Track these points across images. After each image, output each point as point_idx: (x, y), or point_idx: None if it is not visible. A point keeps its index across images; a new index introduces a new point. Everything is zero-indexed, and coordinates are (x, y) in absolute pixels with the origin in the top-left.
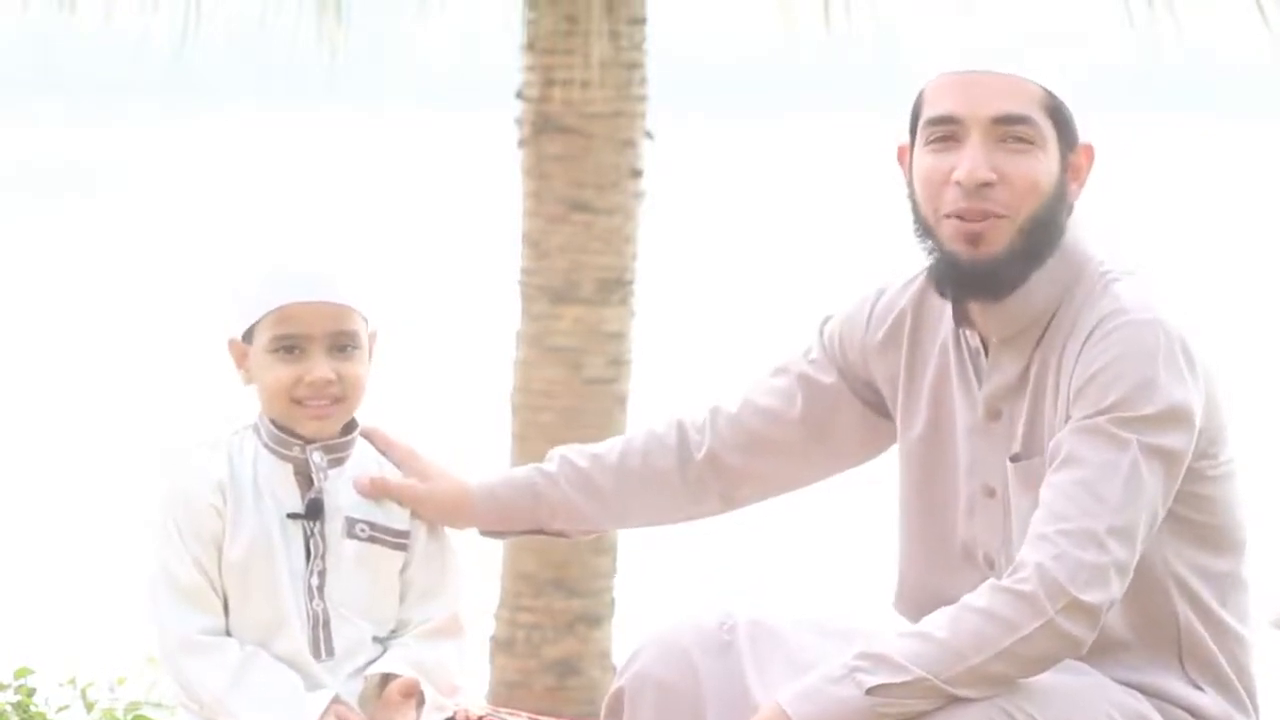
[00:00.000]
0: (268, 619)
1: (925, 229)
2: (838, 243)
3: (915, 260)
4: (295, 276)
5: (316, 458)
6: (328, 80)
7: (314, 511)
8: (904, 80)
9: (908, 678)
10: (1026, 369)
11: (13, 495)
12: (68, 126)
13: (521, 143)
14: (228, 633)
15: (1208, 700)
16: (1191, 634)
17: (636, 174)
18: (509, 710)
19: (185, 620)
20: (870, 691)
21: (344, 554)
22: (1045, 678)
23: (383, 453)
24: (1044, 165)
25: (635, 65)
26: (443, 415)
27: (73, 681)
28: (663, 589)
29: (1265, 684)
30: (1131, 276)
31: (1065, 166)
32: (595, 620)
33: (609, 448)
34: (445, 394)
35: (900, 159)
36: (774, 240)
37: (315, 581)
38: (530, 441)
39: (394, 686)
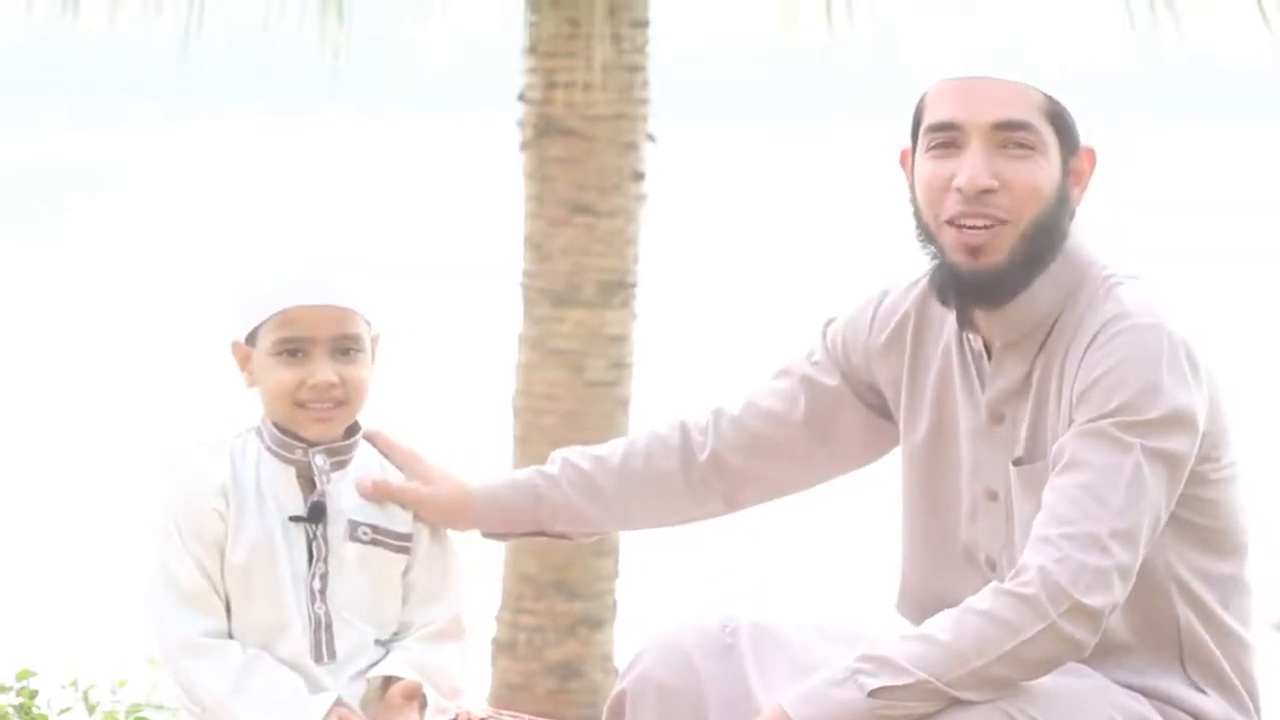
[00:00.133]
0: (270, 622)
1: (927, 234)
2: (840, 245)
3: (918, 263)
4: (298, 280)
5: (319, 461)
6: (330, 83)
7: (316, 514)
8: (904, 81)
9: (910, 680)
10: (1029, 373)
11: (14, 497)
12: (70, 129)
13: (523, 145)
14: (229, 635)
15: (1210, 703)
16: (1193, 637)
17: (638, 177)
18: (511, 713)
19: (186, 623)
20: (872, 694)
21: (346, 557)
22: (1047, 680)
23: (385, 455)
24: (1045, 170)
25: (637, 68)
26: (445, 418)
27: (75, 683)
28: (665, 591)
29: (1267, 686)
30: (1134, 280)
31: (1067, 171)
32: (597, 623)
33: (611, 450)
34: (447, 397)
35: (902, 163)
36: (776, 243)
37: (317, 584)
38: (532, 444)
39: (396, 689)
